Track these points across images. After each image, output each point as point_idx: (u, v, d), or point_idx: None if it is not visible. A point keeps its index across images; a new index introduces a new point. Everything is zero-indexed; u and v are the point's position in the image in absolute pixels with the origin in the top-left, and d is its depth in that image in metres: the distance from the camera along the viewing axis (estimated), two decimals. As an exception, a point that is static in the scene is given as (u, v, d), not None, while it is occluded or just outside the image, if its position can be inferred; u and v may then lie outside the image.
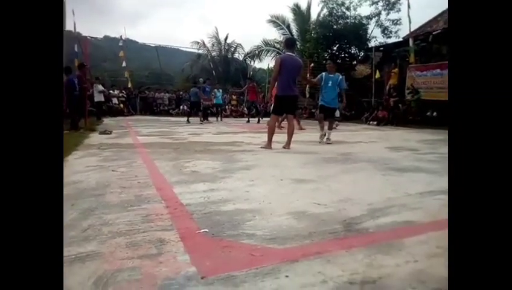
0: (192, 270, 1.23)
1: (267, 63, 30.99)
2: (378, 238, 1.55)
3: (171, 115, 16.66)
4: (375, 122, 11.64)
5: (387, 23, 15.65)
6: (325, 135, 5.65)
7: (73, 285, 1.12)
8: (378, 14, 15.60)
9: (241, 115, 15.65)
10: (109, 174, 2.89)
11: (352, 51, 16.67)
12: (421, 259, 1.34)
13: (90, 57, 12.38)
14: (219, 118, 13.69)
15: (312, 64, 15.56)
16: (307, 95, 15.42)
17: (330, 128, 5.86)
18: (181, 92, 18.62)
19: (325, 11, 16.87)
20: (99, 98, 12.06)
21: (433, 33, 11.81)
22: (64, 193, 2.29)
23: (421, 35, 12.77)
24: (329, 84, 5.72)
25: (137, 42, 27.66)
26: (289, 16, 20.81)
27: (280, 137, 5.08)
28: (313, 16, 19.87)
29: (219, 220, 1.77)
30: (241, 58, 26.38)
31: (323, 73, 5.96)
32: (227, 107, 17.61)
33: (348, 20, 15.87)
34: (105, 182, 2.59)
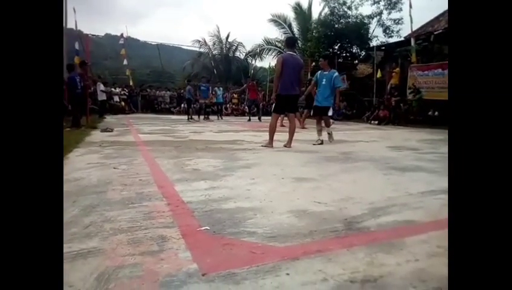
0: (194, 267, 1.23)
1: (268, 62, 31.01)
2: (379, 237, 1.55)
3: (172, 113, 16.67)
4: (376, 122, 11.63)
5: (388, 23, 15.66)
6: (321, 141, 5.34)
7: (76, 281, 1.13)
8: (380, 13, 15.60)
9: (242, 114, 15.66)
10: (110, 172, 2.90)
11: (354, 50, 16.66)
12: (422, 258, 1.34)
13: (92, 55, 12.42)
14: (219, 117, 13.74)
15: (313, 64, 15.54)
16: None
17: (327, 125, 5.66)
18: (182, 90, 18.63)
19: (326, 10, 16.87)
20: (102, 96, 12.33)
21: (435, 33, 11.78)
22: (65, 190, 2.30)
23: (422, 34, 12.75)
24: (323, 82, 5.52)
25: (138, 40, 27.72)
26: (290, 15, 20.82)
27: (281, 136, 5.08)
28: (315, 15, 19.87)
29: (220, 218, 1.78)
30: (242, 57, 26.38)
31: (318, 72, 5.85)
32: (228, 105, 17.62)
33: (350, 20, 15.85)
34: (107, 180, 2.60)
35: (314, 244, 1.46)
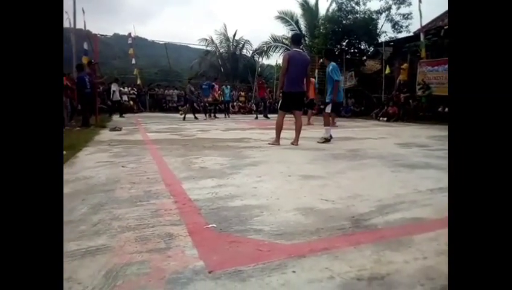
0: (200, 265, 1.24)
1: (275, 59, 30.87)
2: (386, 235, 1.54)
3: (179, 111, 16.77)
4: (385, 118, 11.50)
5: (397, 18, 15.42)
6: (328, 138, 5.13)
7: (84, 278, 1.15)
8: (389, 8, 15.37)
9: (249, 112, 15.66)
10: (119, 170, 2.93)
11: (362, 47, 16.47)
12: (430, 256, 1.32)
13: (100, 55, 12.58)
14: (227, 115, 13.81)
15: (321, 60, 15.43)
16: (316, 91, 15.31)
17: (324, 123, 5.39)
18: (198, 91, 18.70)
19: (334, 6, 16.72)
20: (117, 97, 13.06)
21: (445, 27, 11.56)
22: (75, 188, 2.34)
23: (432, 29, 12.52)
24: (328, 78, 5.44)
25: (146, 40, 27.94)
26: (298, 12, 20.69)
27: (288, 133, 5.06)
28: (322, 11, 19.70)
29: (227, 215, 1.78)
30: (249, 55, 26.34)
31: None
32: (235, 103, 17.64)
33: (358, 15, 15.67)
34: (115, 178, 2.63)
35: (321, 242, 1.45)
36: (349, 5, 15.62)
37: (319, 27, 17.05)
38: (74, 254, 1.31)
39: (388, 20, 15.68)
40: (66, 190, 2.21)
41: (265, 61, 24.89)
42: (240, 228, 1.61)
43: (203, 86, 12.65)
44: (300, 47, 5.08)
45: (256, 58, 24.52)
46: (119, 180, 2.57)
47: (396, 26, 15.52)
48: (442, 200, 2.09)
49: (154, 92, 18.41)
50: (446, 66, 10.63)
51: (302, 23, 20.63)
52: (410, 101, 11.53)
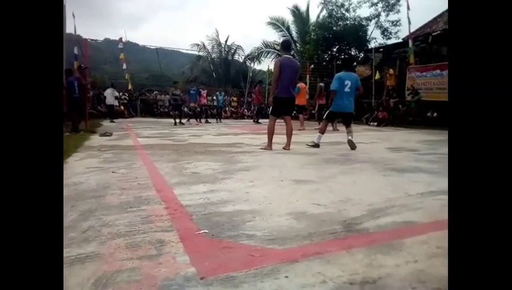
0: (192, 271, 1.22)
1: (266, 64, 31.06)
2: (378, 239, 1.55)
3: (171, 116, 16.68)
4: (375, 123, 11.63)
5: (386, 25, 15.69)
6: (318, 144, 5.20)
7: (73, 286, 1.12)
8: (378, 15, 15.64)
9: (242, 117, 15.67)
10: (109, 176, 2.89)
11: (352, 52, 16.69)
12: (421, 259, 1.33)
13: (91, 60, 12.47)
14: (219, 120, 13.92)
15: (312, 66, 15.59)
16: (307, 96, 15.42)
17: (320, 130, 5.51)
18: (181, 94, 18.66)
19: (324, 12, 16.94)
20: (110, 101, 13.35)
21: (433, 34, 11.84)
22: (64, 194, 2.29)
23: (420, 36, 12.79)
24: None
25: (137, 44, 27.72)
26: (289, 18, 20.89)
27: (280, 138, 5.08)
28: (313, 17, 19.94)
29: (219, 221, 1.77)
30: (241, 60, 26.43)
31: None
32: (227, 108, 17.65)
33: (348, 22, 15.91)
34: (105, 184, 2.59)
35: (313, 247, 1.45)
36: (339, 12, 15.85)
37: (310, 33, 17.25)
38: (63, 262, 1.28)
39: (378, 26, 15.96)
40: (55, 196, 2.17)
41: (257, 66, 24.99)
42: (232, 233, 1.60)
43: (191, 92, 12.66)
44: (291, 53, 5.14)
45: (248, 64, 24.64)
46: (109, 186, 2.53)
47: (386, 33, 15.80)
48: (432, 204, 2.12)
49: (146, 97, 18.28)
50: (434, 72, 10.86)
51: (293, 29, 20.84)
52: (400, 106, 11.70)
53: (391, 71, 12.58)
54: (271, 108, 5.01)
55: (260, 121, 12.73)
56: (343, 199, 2.20)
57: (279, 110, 4.86)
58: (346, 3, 15.61)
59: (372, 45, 16.02)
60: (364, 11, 24.49)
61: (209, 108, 16.84)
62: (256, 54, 23.12)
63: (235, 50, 26.39)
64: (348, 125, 5.38)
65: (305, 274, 1.21)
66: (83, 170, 3.16)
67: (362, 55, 16.57)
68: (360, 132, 9.18)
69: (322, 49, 16.13)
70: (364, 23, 15.91)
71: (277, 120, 4.90)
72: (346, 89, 5.15)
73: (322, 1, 16.16)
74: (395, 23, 15.46)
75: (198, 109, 13.30)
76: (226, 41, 26.25)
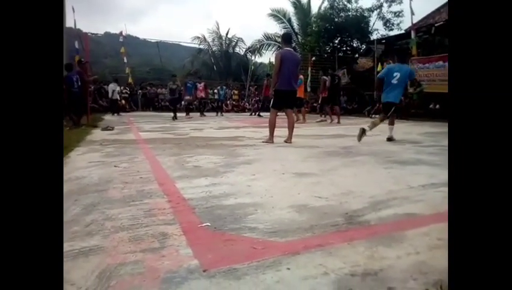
0: (195, 264, 1.24)
1: (268, 57, 30.85)
2: (379, 231, 1.55)
3: (172, 110, 16.69)
4: (377, 116, 11.57)
5: (389, 16, 15.53)
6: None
7: (77, 279, 1.13)
8: (380, 6, 15.47)
9: (243, 110, 15.64)
10: (111, 170, 2.90)
11: (354, 44, 16.56)
12: (423, 251, 1.34)
13: (91, 54, 12.45)
14: (220, 113, 13.92)
15: (313, 58, 15.48)
16: (308, 89, 15.35)
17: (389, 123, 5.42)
18: (182, 88, 18.65)
19: (326, 4, 16.75)
20: (115, 96, 13.45)
21: (436, 25, 11.67)
22: (67, 188, 2.31)
23: (423, 27, 12.64)
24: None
25: (138, 38, 27.60)
26: (290, 10, 20.67)
27: (282, 132, 5.07)
28: (314, 9, 19.72)
29: (221, 214, 1.78)
30: (242, 53, 26.26)
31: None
32: (228, 102, 17.60)
33: (350, 13, 15.73)
34: (108, 178, 2.60)
35: (315, 239, 1.46)
36: (341, 3, 15.67)
37: (312, 25, 17.09)
38: (67, 255, 1.30)
39: (380, 17, 15.80)
40: (58, 190, 2.18)
41: (258, 59, 24.82)
42: (234, 226, 1.61)
43: (187, 85, 12.54)
44: (292, 46, 5.12)
45: (249, 57, 24.47)
46: (111, 180, 2.54)
47: (388, 24, 15.65)
48: (434, 196, 2.12)
49: (147, 90, 18.24)
50: (437, 64, 10.75)
51: (294, 21, 20.64)
52: (402, 98, 11.63)
53: (389, 62, 12.49)
54: (272, 101, 4.99)
55: (261, 114, 12.72)
56: (345, 191, 2.20)
57: (280, 103, 4.85)
58: (348, -6, 15.44)
59: (374, 36, 15.90)
60: (367, 2, 24.20)
61: (210, 101, 16.84)
62: (258, 46, 22.95)
63: (236, 42, 26.23)
64: (389, 119, 5.23)
65: (306, 266, 1.22)
66: (85, 164, 3.18)
67: (364, 46, 16.43)
68: (361, 124, 9.14)
69: (323, 41, 15.99)
70: (366, 14, 15.74)
71: (278, 113, 4.90)
72: (394, 81, 5.04)
73: (324, -8, 15.98)
74: (397, 14, 15.31)
75: (196, 103, 13.28)
76: (226, 34, 26.09)
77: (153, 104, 17.47)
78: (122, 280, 1.13)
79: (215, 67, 24.71)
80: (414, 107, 11.24)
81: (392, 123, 5.35)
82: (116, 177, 2.62)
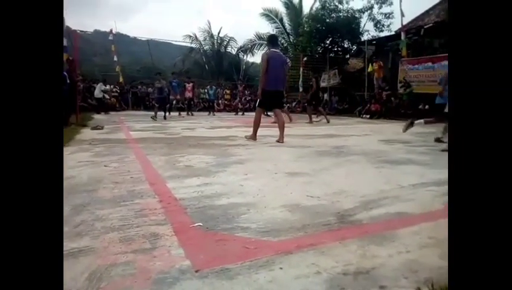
0: (187, 264, 1.22)
1: (259, 57, 30.81)
2: (371, 230, 1.57)
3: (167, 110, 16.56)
4: (368, 116, 11.72)
5: (379, 17, 15.70)
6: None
7: (67, 281, 1.11)
8: (371, 7, 15.62)
9: (235, 110, 15.59)
10: (101, 170, 2.86)
11: (345, 45, 16.69)
12: (413, 249, 1.36)
13: (80, 52, 12.26)
14: (212, 113, 13.86)
15: (305, 58, 15.55)
16: (300, 89, 15.41)
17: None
18: (164, 86, 18.50)
19: (317, 4, 16.84)
20: (99, 95, 13.55)
21: (425, 27, 11.87)
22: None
23: (413, 28, 12.82)
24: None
25: (128, 36, 27.34)
26: (282, 10, 20.73)
27: (273, 131, 5.08)
28: (306, 9, 19.82)
29: (213, 214, 1.77)
30: (234, 52, 26.21)
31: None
32: (220, 101, 17.54)
33: (341, 14, 15.85)
34: (98, 178, 2.56)
35: (307, 238, 1.46)
36: (332, 4, 15.77)
37: (303, 25, 17.16)
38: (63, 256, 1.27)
39: (370, 19, 15.96)
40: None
41: (249, 58, 24.90)
42: (227, 226, 1.60)
43: (173, 83, 12.34)
44: (278, 47, 5.27)
45: (241, 56, 24.46)
46: (101, 180, 2.50)
47: (379, 25, 15.81)
48: (424, 195, 2.15)
49: (137, 89, 18.04)
50: (426, 65, 10.93)
51: (286, 21, 20.71)
52: (392, 98, 11.79)
53: (376, 64, 12.68)
54: (258, 100, 5.10)
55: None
56: (337, 190, 2.22)
57: (266, 103, 5.01)
58: (339, -5, 15.54)
59: (365, 37, 16.04)
60: (357, 3, 24.31)
61: (201, 101, 16.77)
62: (249, 46, 22.96)
63: (228, 42, 26.15)
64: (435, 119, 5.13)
65: (299, 265, 1.22)
66: (74, 163, 3.12)
67: (355, 47, 16.57)
68: (352, 124, 9.25)
69: (315, 41, 16.07)
70: (357, 15, 15.88)
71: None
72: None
73: (316, -7, 16.07)
74: (387, 15, 15.49)
75: (186, 102, 13.20)
76: (218, 33, 25.99)
77: (144, 103, 17.29)
78: (113, 281, 1.11)
79: (206, 66, 24.61)
80: (404, 107, 11.39)
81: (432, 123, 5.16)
82: (106, 177, 2.58)
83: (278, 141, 4.76)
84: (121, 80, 17.30)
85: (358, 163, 3.27)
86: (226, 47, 26.30)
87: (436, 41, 11.00)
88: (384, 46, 13.74)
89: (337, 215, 1.76)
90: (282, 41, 21.23)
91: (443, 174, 2.62)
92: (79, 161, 3.24)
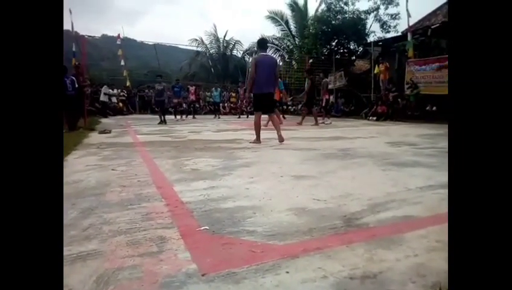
0: (193, 268, 1.23)
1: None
2: (378, 233, 1.55)
3: (170, 113, 16.68)
4: (374, 118, 11.62)
5: (385, 18, 15.60)
6: None
7: (75, 284, 1.13)
8: (377, 8, 15.54)
9: (241, 113, 15.63)
10: (109, 173, 2.89)
11: (351, 46, 16.61)
12: (421, 253, 1.34)
13: (88, 56, 12.46)
14: (217, 116, 13.97)
15: (311, 60, 15.52)
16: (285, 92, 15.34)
17: None
18: (165, 89, 18.68)
19: (323, 6, 16.81)
20: (104, 98, 13.87)
21: (432, 27, 11.75)
22: (64, 192, 2.29)
23: (419, 29, 12.71)
24: None
25: (135, 40, 27.67)
26: (287, 12, 20.77)
27: (275, 134, 5.08)
28: (311, 11, 19.81)
29: (219, 217, 1.78)
30: (239, 55, 26.32)
31: None
32: (226, 104, 17.60)
33: (347, 15, 15.79)
34: (105, 181, 2.59)
35: (314, 242, 1.46)
36: (338, 5, 15.72)
37: (309, 27, 17.13)
38: (64, 260, 1.29)
39: (376, 20, 15.87)
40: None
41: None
42: (233, 229, 1.61)
43: (175, 89, 12.62)
44: (267, 51, 5.50)
45: (247, 59, 24.51)
46: (109, 183, 2.53)
47: (385, 26, 15.72)
48: (431, 198, 2.13)
49: (144, 93, 18.21)
50: (433, 66, 10.80)
51: (291, 24, 20.74)
52: (399, 100, 11.68)
53: (381, 65, 12.61)
54: (253, 105, 5.24)
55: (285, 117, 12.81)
56: (343, 194, 2.21)
57: (260, 106, 5.13)
58: (345, -3, 15.51)
59: (371, 38, 15.94)
60: (363, 5, 24.33)
61: (207, 104, 16.86)
62: (255, 49, 22.99)
63: (234, 45, 26.30)
64: None
65: (306, 269, 1.21)
66: (82, 167, 3.16)
67: (361, 49, 16.49)
68: (359, 126, 9.19)
69: (320, 43, 16.03)
70: (363, 16, 15.80)
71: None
72: None
73: (321, -5, 16.06)
74: (394, 16, 15.39)
75: (185, 106, 13.36)
76: (224, 37, 26.16)
77: (151, 107, 17.43)
78: (120, 285, 1.12)
79: (212, 69, 24.75)
80: (411, 109, 11.28)
81: None
82: (114, 181, 2.61)
83: (279, 141, 4.88)
84: (128, 84, 17.50)
85: (365, 165, 3.25)
86: (231, 50, 26.47)
87: (444, 42, 10.88)
88: (391, 47, 13.63)
89: (343, 218, 1.75)
90: (288, 43, 21.28)
91: (451, 176, 2.58)
92: (87, 165, 3.28)
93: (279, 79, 8.62)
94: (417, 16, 14.80)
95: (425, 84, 11.04)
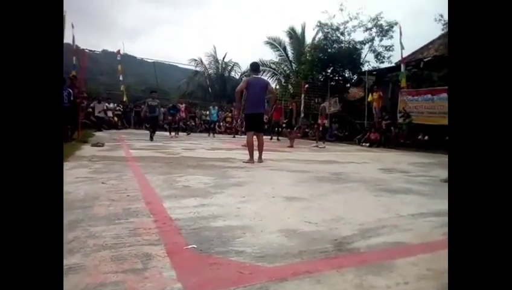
0: (178, 287, 1.19)
1: (262, 82, 31.34)
2: (369, 259, 1.53)
3: (165, 129, 16.67)
4: (367, 144, 11.75)
5: (380, 49, 16.08)
6: None
7: (53, 299, 1.07)
8: (372, 39, 16.07)
9: (236, 132, 15.68)
10: (98, 187, 2.84)
11: (346, 74, 17.02)
12: (411, 281, 1.32)
13: (87, 70, 12.53)
14: (212, 134, 14.04)
15: (307, 86, 15.84)
16: (302, 115, 15.57)
17: None
18: (158, 105, 18.89)
19: (320, 35, 17.35)
20: (100, 113, 14.07)
21: (425, 60, 12.18)
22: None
23: (412, 61, 13.15)
24: None
25: (135, 57, 28.00)
26: (286, 39, 21.41)
27: (272, 155, 5.09)
28: (308, 39, 20.44)
29: (208, 236, 1.74)
30: (237, 77, 26.73)
31: None
32: (221, 124, 17.69)
33: (343, 45, 16.29)
34: (94, 194, 2.54)
35: (304, 265, 1.43)
36: (334, 35, 16.24)
37: (306, 54, 17.60)
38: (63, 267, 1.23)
39: (371, 50, 16.37)
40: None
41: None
42: (222, 249, 1.57)
43: (171, 111, 13.18)
44: (259, 74, 5.80)
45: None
46: (98, 196, 2.48)
47: (379, 57, 16.19)
48: (423, 225, 2.12)
49: (140, 109, 18.23)
50: (425, 96, 11.10)
51: (289, 50, 21.32)
52: (392, 128, 11.88)
53: (380, 93, 12.94)
54: (244, 125, 5.34)
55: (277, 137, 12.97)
56: (335, 217, 2.19)
57: (251, 126, 5.31)
58: (342, 27, 16.03)
59: (365, 67, 16.38)
60: (359, 35, 25.04)
61: (202, 123, 16.98)
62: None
63: (232, 67, 26.79)
64: None
65: (294, 293, 1.18)
66: (72, 179, 3.10)
67: (356, 77, 16.91)
68: (352, 151, 9.26)
69: (316, 69, 16.42)
70: (358, 46, 16.30)
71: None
72: None
73: (318, 24, 16.58)
74: (388, 48, 15.89)
75: (176, 124, 13.55)
76: (223, 58, 26.67)
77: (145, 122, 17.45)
78: (101, 302, 1.08)
79: (210, 89, 25.01)
80: (403, 137, 11.46)
81: None
82: (103, 194, 2.55)
83: (258, 161, 5.06)
84: (125, 99, 17.54)
85: (357, 190, 3.25)
86: (230, 71, 26.91)
87: (435, 74, 11.22)
88: (384, 77, 14.00)
89: (334, 242, 1.73)
90: (285, 68, 21.75)
91: (442, 205, 2.59)
92: (77, 177, 3.22)
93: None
94: (410, 48, 15.33)
95: (418, 114, 11.29)
